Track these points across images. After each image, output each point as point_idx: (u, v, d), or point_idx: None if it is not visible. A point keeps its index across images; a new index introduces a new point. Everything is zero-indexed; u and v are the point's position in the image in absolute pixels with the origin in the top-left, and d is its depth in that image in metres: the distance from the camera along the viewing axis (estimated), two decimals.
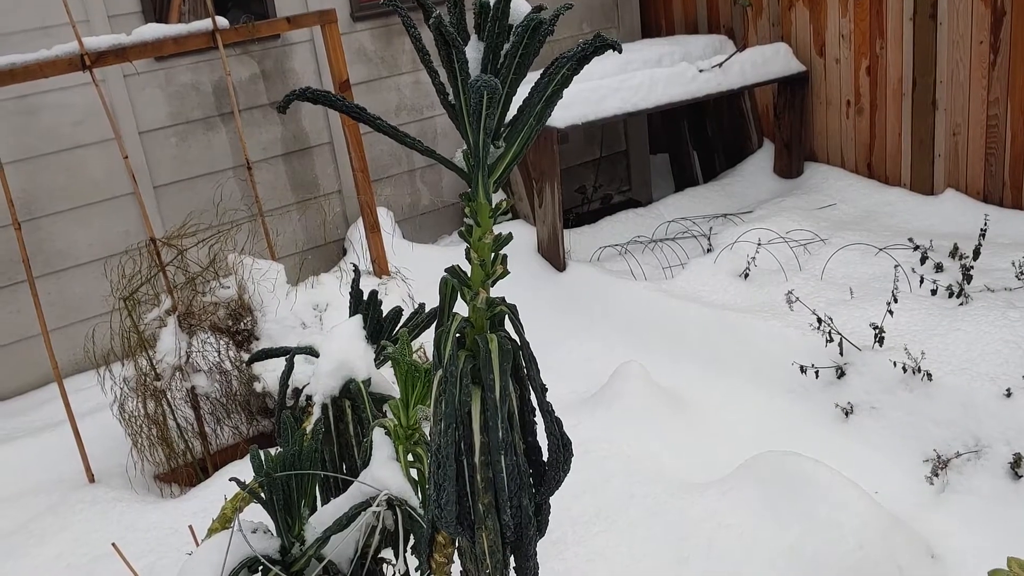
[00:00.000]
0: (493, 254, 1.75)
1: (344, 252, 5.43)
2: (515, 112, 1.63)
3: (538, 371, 1.77)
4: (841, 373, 3.62)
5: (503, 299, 1.77)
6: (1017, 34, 4.57)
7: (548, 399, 1.80)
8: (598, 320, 4.52)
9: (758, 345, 3.91)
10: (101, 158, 4.69)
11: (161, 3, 4.81)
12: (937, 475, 3.10)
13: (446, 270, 1.71)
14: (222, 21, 3.91)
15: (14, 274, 4.52)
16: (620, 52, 1.50)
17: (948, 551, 2.80)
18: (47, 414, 4.27)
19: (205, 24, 3.88)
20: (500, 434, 1.71)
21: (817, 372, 3.64)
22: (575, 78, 1.59)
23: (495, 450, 1.72)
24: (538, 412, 1.82)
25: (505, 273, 1.72)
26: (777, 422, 3.55)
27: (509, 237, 1.71)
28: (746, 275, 4.56)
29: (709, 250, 4.90)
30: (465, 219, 1.69)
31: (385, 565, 2.32)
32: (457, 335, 1.75)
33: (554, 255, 4.98)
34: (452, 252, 5.36)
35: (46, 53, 3.54)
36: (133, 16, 4.66)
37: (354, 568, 2.32)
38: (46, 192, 4.60)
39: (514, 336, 1.78)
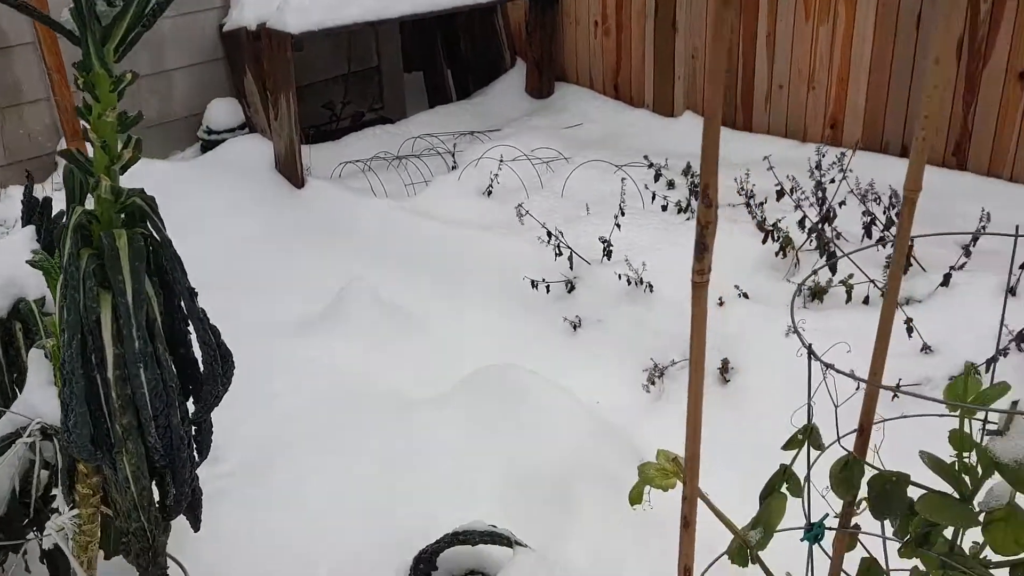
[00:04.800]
0: (128, 137, 1.51)
1: (56, 166, 4.88)
2: None
3: (184, 273, 1.57)
4: (571, 287, 3.63)
5: (141, 190, 1.54)
6: None
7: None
8: (337, 238, 4.31)
9: (493, 261, 3.86)
10: None
11: None
12: (653, 383, 3.17)
13: (61, 154, 1.46)
14: None
15: None
16: None
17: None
18: None
19: None
20: (137, 345, 1.50)
21: (548, 286, 3.63)
22: None
23: (132, 363, 1.51)
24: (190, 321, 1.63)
25: (136, 158, 1.49)
26: (509, 337, 3.51)
27: (138, 117, 1.48)
28: (489, 192, 4.48)
29: (454, 167, 4.78)
30: (84, 97, 1.44)
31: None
32: (84, 233, 1.51)
33: (292, 171, 4.69)
34: (181, 168, 4.97)
35: None
36: None
37: (12, 509, 2.04)
38: None
39: (156, 235, 1.56)
